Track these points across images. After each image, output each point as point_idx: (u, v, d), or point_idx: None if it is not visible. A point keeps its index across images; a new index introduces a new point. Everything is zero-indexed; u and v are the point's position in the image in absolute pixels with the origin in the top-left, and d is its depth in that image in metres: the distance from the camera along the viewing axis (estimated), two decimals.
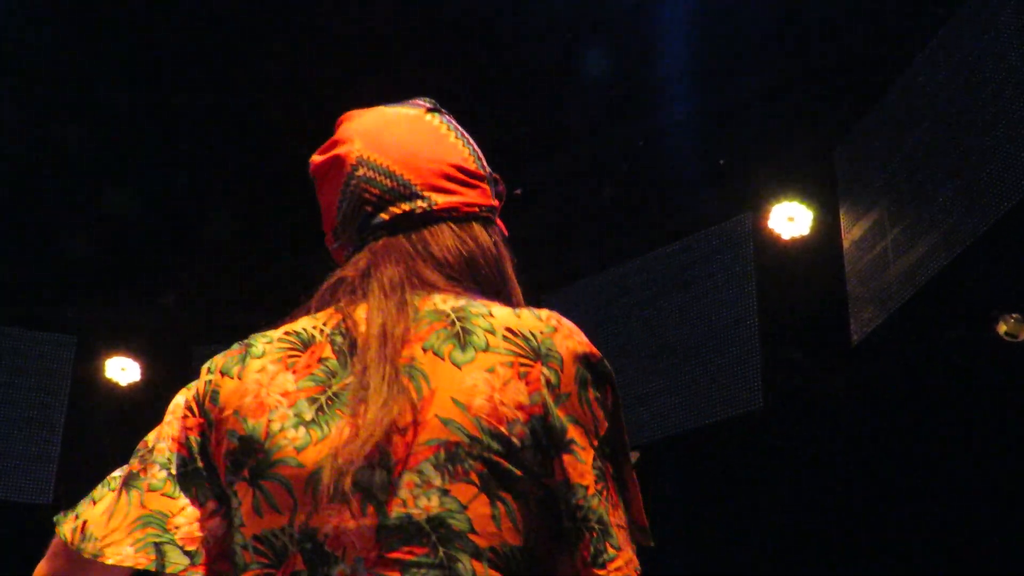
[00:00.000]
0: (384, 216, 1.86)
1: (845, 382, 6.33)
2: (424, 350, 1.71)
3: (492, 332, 1.73)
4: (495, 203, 1.94)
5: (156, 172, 6.82)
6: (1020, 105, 5.05)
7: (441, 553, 1.64)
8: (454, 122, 1.96)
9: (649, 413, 6.17)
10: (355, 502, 1.65)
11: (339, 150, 1.90)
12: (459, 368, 1.69)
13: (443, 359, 1.70)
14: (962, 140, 5.33)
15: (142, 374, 7.20)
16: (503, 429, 1.67)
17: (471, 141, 1.96)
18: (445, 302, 1.77)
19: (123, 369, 7.17)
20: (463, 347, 1.71)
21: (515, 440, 1.67)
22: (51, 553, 1.86)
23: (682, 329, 6.24)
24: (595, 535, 1.69)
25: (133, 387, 7.23)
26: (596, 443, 1.72)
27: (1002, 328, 6.10)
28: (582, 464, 1.70)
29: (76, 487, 6.87)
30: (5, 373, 7.10)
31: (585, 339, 1.76)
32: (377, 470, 1.65)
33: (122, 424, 7.27)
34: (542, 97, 6.24)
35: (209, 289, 7.34)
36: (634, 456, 6.42)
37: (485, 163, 1.95)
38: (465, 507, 1.65)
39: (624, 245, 6.52)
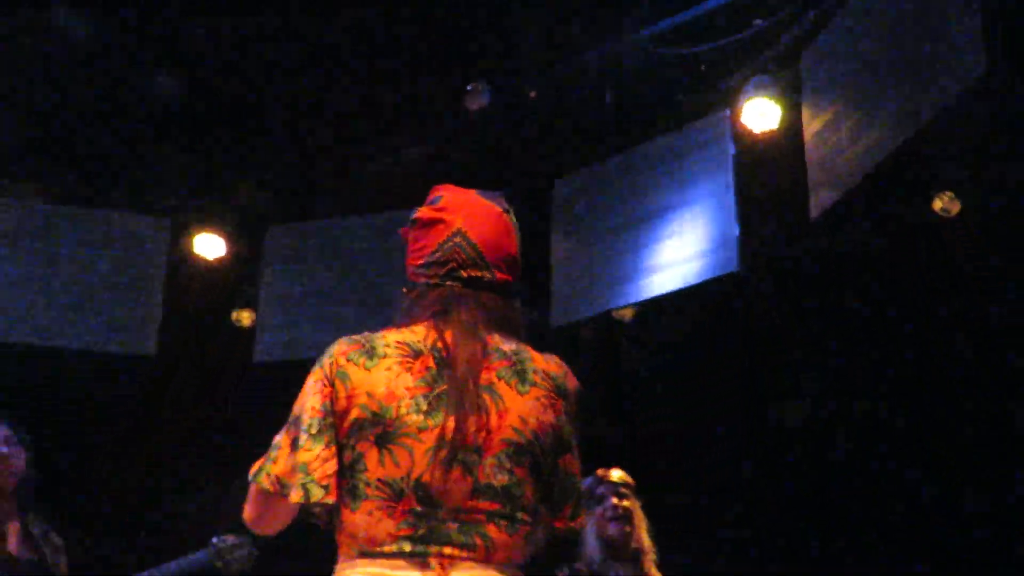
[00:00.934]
0: (464, 273, 2.59)
1: (806, 250, 6.96)
2: (498, 378, 2.48)
3: (536, 372, 2.52)
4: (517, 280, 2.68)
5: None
6: (956, 15, 5.31)
7: (508, 508, 2.43)
8: (515, 221, 2.71)
9: (641, 277, 6.65)
10: (457, 471, 2.40)
11: (445, 216, 2.62)
12: (521, 396, 2.48)
13: (511, 387, 2.48)
14: (908, 47, 5.60)
15: (227, 249, 7.57)
16: (543, 438, 2.49)
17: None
18: (503, 344, 2.54)
19: (211, 245, 7.54)
20: (523, 382, 2.49)
21: (547, 446, 2.50)
22: (253, 500, 2.52)
23: (672, 205, 6.66)
24: (574, 502, 2.58)
25: (219, 260, 7.62)
26: (576, 446, 2.59)
27: (937, 205, 6.64)
28: (575, 460, 2.58)
29: (174, 340, 7.77)
30: (113, 249, 7.48)
31: (575, 378, 2.60)
32: (472, 453, 2.41)
33: (210, 291, 7.83)
34: (549, 18, 6.79)
35: (282, 174, 7.76)
36: (629, 313, 7.32)
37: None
38: (522, 482, 2.46)
39: (623, 139, 6.98)
